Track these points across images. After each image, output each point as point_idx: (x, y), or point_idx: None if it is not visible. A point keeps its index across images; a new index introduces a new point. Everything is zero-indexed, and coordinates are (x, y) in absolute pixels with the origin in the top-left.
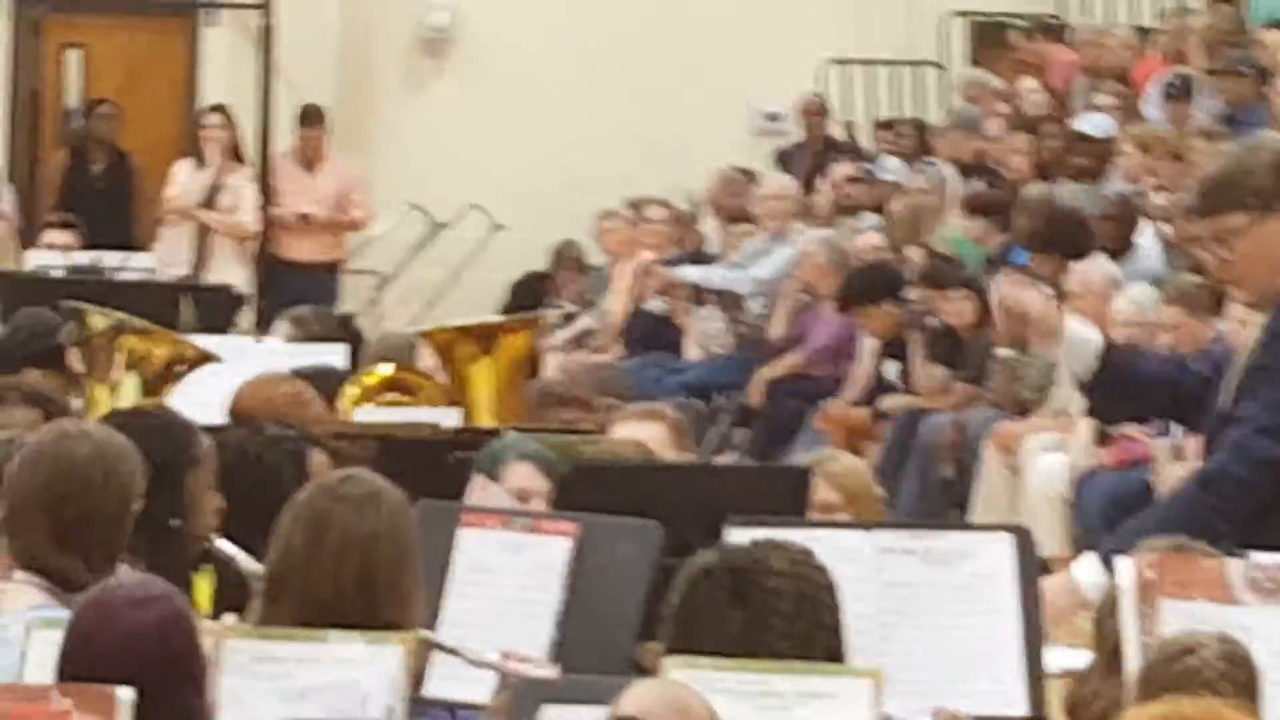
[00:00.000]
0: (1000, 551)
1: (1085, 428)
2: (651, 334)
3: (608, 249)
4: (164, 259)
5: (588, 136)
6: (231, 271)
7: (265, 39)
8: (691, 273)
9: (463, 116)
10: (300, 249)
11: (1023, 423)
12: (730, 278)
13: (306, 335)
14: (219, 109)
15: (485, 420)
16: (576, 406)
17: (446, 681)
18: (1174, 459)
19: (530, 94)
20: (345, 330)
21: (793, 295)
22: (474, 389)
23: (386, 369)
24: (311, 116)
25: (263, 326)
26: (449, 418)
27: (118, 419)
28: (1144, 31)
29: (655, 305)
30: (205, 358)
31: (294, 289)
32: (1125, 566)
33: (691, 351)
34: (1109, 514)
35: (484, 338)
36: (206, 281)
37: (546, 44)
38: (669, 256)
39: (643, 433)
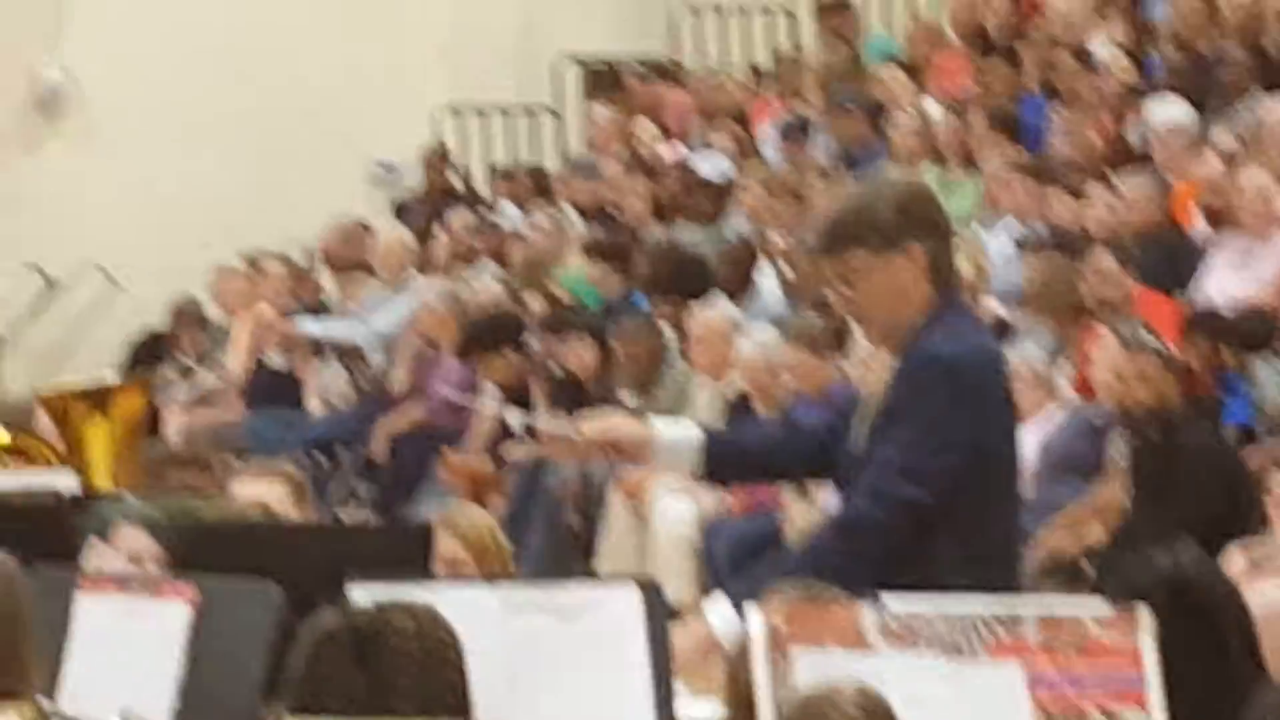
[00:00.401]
0: (627, 603)
1: None
2: (273, 389)
3: (225, 304)
4: None
5: (203, 192)
6: None
7: None
8: (311, 326)
9: (78, 174)
10: None
11: (648, 468)
12: (350, 330)
13: None
14: None
15: (102, 483)
16: (194, 467)
17: None
18: (802, 501)
19: (145, 150)
20: None
21: (413, 346)
22: (90, 451)
23: (2, 436)
24: None
25: None
26: (65, 481)
27: None
28: (759, 72)
29: (276, 360)
30: None
31: None
32: (755, 614)
33: (313, 405)
34: (738, 558)
35: (98, 399)
36: None
37: (159, 99)
38: (288, 310)
39: (262, 491)
